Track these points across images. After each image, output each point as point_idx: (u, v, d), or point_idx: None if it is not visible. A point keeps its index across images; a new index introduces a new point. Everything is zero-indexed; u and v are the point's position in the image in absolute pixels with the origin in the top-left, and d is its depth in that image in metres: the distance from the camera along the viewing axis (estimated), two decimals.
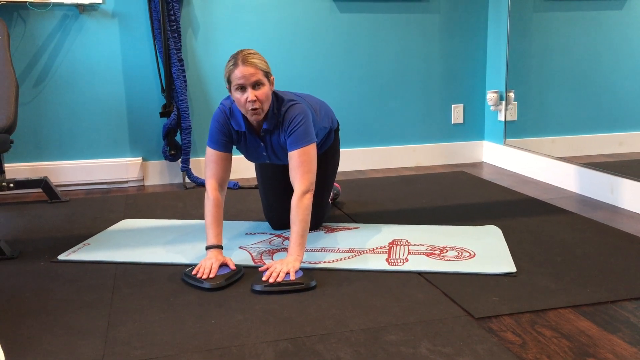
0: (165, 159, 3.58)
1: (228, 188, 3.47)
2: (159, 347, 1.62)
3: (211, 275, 2.00)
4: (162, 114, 3.48)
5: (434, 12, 3.87)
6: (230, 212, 2.95)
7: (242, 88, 2.09)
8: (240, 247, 2.39)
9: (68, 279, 2.11)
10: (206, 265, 2.04)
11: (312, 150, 2.18)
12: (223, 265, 2.08)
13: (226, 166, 2.24)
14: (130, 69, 3.52)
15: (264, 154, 2.34)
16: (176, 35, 3.43)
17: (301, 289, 1.94)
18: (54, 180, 3.48)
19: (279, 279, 1.95)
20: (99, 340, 1.66)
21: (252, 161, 2.46)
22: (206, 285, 1.97)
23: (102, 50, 3.47)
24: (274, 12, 3.65)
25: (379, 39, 3.82)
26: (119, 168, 3.57)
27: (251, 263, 2.21)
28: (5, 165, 3.36)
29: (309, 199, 2.11)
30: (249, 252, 2.33)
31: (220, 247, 2.13)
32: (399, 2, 3.81)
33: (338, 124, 2.63)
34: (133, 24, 3.48)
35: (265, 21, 3.64)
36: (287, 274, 1.98)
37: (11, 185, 3.13)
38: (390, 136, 3.96)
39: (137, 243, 2.47)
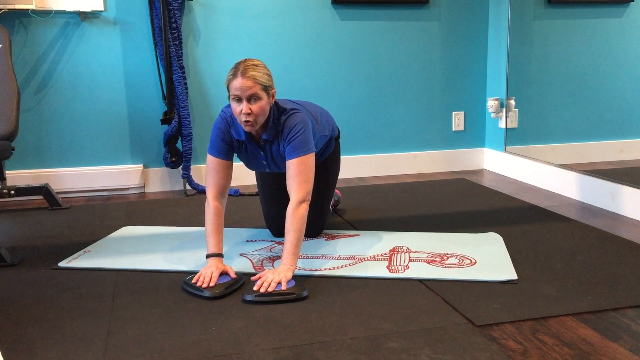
0: (166, 166, 3.58)
1: (228, 195, 3.47)
2: (159, 354, 1.61)
3: (211, 284, 1.99)
4: (163, 121, 3.49)
5: (434, 20, 3.88)
6: (231, 219, 2.95)
7: (238, 99, 2.08)
8: (240, 254, 2.39)
9: (68, 286, 2.11)
10: (206, 274, 2.03)
11: (310, 159, 2.17)
12: (223, 273, 2.07)
13: (227, 174, 2.23)
14: (131, 76, 3.53)
15: (264, 162, 2.34)
16: (177, 42, 3.44)
17: (292, 299, 1.93)
18: (55, 187, 3.48)
19: (270, 289, 1.94)
20: (99, 348, 1.66)
21: (252, 169, 2.46)
22: (206, 293, 1.96)
23: (104, 57, 3.48)
24: (275, 20, 3.66)
25: (379, 47, 3.83)
26: (120, 175, 3.57)
27: (252, 270, 2.21)
28: (7, 172, 3.36)
29: (304, 208, 2.10)
30: (250, 260, 2.33)
31: (220, 255, 2.12)
32: (399, 10, 3.82)
33: (339, 132, 2.63)
34: (134, 31, 3.49)
35: (266, 29, 3.65)
36: (279, 283, 1.97)
37: (12, 192, 3.13)
38: (391, 143, 3.96)
39: (138, 250, 2.47)
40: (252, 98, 2.07)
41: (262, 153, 2.29)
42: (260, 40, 3.66)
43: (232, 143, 2.26)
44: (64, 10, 3.34)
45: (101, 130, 3.55)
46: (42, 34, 3.39)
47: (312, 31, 3.72)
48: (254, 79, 2.06)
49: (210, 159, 2.23)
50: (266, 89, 2.10)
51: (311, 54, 3.74)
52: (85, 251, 2.47)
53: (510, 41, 3.75)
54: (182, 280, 2.09)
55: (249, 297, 1.93)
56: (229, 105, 2.27)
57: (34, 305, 1.95)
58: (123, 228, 2.81)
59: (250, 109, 2.07)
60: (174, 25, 3.42)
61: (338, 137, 2.62)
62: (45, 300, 1.99)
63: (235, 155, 2.32)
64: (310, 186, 2.14)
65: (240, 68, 2.07)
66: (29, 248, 2.56)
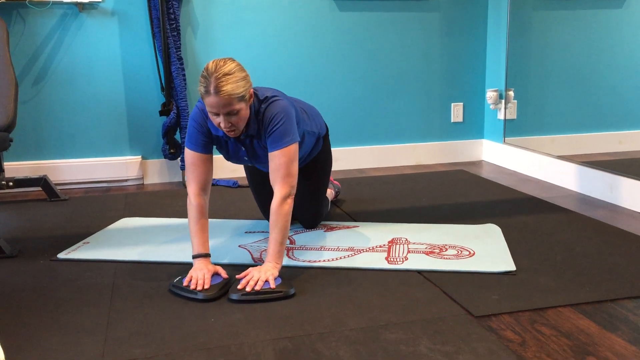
0: (165, 158, 3.58)
1: (227, 187, 3.47)
2: (158, 345, 1.62)
3: (206, 287, 1.90)
4: (161, 113, 3.48)
5: (433, 11, 3.87)
6: (230, 210, 2.95)
7: (215, 113, 1.95)
8: (239, 246, 2.39)
9: (68, 278, 2.11)
10: (198, 277, 1.93)
11: (293, 151, 2.05)
12: (214, 274, 1.98)
13: (208, 168, 2.09)
14: (129, 67, 3.52)
15: (245, 158, 2.24)
16: (175, 33, 3.43)
17: (279, 297, 1.87)
18: (54, 178, 3.48)
19: (257, 287, 1.87)
20: (99, 339, 1.66)
21: (233, 163, 2.34)
22: (200, 296, 1.88)
23: (102, 48, 3.47)
24: (274, 11, 3.65)
25: (378, 38, 3.82)
26: (119, 166, 3.57)
27: (251, 262, 2.21)
28: (5, 163, 3.36)
29: (289, 204, 2.00)
30: (249, 251, 2.33)
31: (208, 255, 2.03)
32: (399, 1, 3.80)
33: (327, 130, 2.55)
34: (132, 22, 3.48)
35: (264, 20, 3.64)
36: (266, 281, 1.89)
37: (11, 183, 3.13)
38: (390, 135, 3.96)
39: (137, 242, 2.47)
40: (230, 113, 1.93)
41: (243, 148, 2.18)
42: (259, 31, 3.64)
43: (210, 135, 2.12)
44: (62, 1, 3.32)
45: (99, 122, 3.54)
46: (40, 25, 3.38)
47: (311, 22, 3.71)
48: (229, 96, 1.89)
49: (188, 153, 2.09)
50: (243, 97, 1.94)
51: (310, 45, 3.73)
52: (84, 243, 2.48)
53: (510, 32, 3.74)
54: (170, 284, 1.99)
55: (234, 296, 1.86)
56: None
57: (33, 296, 1.96)
58: (122, 219, 2.81)
59: (230, 123, 1.96)
60: (172, 16, 3.40)
61: (326, 135, 2.54)
62: (45, 291, 2.00)
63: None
64: (294, 180, 2.04)
65: (212, 82, 1.88)
66: (28, 240, 2.56)
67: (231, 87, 1.89)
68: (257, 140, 2.13)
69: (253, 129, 2.09)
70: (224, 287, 1.94)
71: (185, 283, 1.94)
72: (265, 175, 2.49)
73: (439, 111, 4.01)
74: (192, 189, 2.06)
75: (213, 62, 1.92)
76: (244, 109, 1.97)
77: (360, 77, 3.84)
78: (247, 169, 2.61)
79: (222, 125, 1.96)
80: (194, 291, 1.90)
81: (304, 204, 2.53)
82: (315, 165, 2.50)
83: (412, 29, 3.86)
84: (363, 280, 2.03)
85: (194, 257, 2.02)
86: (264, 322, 1.73)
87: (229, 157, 2.27)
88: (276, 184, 2.03)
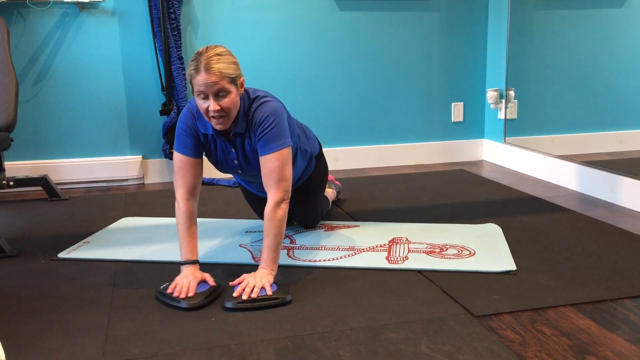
0: (165, 157, 3.58)
1: (227, 186, 3.47)
2: (159, 344, 1.62)
3: (190, 295, 1.84)
4: (162, 112, 3.48)
5: (434, 10, 3.87)
6: (230, 210, 2.95)
7: (204, 96, 1.87)
8: (240, 245, 2.39)
9: (68, 277, 2.11)
10: (183, 284, 1.87)
11: (286, 154, 1.98)
12: (201, 282, 1.91)
13: (197, 172, 2.02)
14: (130, 67, 3.52)
15: (236, 162, 2.14)
16: (176, 33, 3.43)
17: (276, 304, 1.82)
18: (54, 178, 3.48)
19: (253, 295, 1.81)
20: (99, 338, 1.66)
21: (223, 172, 2.23)
22: (183, 304, 1.82)
23: (102, 48, 3.47)
24: (274, 10, 3.65)
25: (379, 37, 3.82)
26: (119, 166, 3.57)
27: (251, 261, 2.21)
28: (5, 163, 3.35)
29: (283, 209, 1.94)
30: (249, 250, 2.33)
31: (196, 262, 1.96)
32: (399, 1, 3.80)
33: (320, 149, 2.50)
34: (133, 22, 3.48)
35: (265, 19, 3.64)
36: (262, 288, 1.84)
37: (11, 183, 3.13)
38: (390, 134, 3.96)
39: (137, 241, 2.47)
40: (219, 93, 1.86)
41: (233, 150, 2.09)
42: (259, 30, 3.64)
43: (199, 138, 2.05)
44: (62, 1, 3.32)
45: (100, 122, 3.54)
46: (40, 25, 3.38)
47: (311, 21, 3.71)
48: (220, 73, 1.84)
49: (177, 156, 2.02)
50: (234, 80, 1.89)
51: (310, 44, 3.73)
52: (84, 242, 2.48)
53: (510, 32, 3.74)
54: (156, 290, 1.94)
55: (229, 305, 1.80)
56: None
57: (33, 296, 1.96)
58: (122, 219, 2.81)
59: (219, 106, 1.87)
60: (173, 15, 3.40)
61: (320, 154, 2.49)
62: (45, 291, 2.00)
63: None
64: (287, 183, 1.97)
65: (202, 61, 1.84)
66: (29, 239, 2.56)
67: (222, 65, 1.85)
68: (247, 140, 2.06)
69: (241, 127, 2.01)
70: (210, 296, 1.87)
71: (169, 290, 1.88)
72: (259, 192, 2.43)
73: (440, 111, 4.01)
74: (180, 194, 2.00)
75: (204, 47, 1.90)
76: (234, 94, 1.90)
77: (360, 77, 3.84)
78: (245, 194, 2.58)
79: (210, 108, 1.87)
80: (178, 299, 1.84)
81: (299, 215, 2.53)
82: (307, 187, 2.45)
83: (412, 29, 3.86)
84: (363, 280, 2.03)
85: (182, 263, 1.96)
86: (264, 322, 1.73)
87: (218, 162, 2.17)
88: (269, 188, 1.96)
